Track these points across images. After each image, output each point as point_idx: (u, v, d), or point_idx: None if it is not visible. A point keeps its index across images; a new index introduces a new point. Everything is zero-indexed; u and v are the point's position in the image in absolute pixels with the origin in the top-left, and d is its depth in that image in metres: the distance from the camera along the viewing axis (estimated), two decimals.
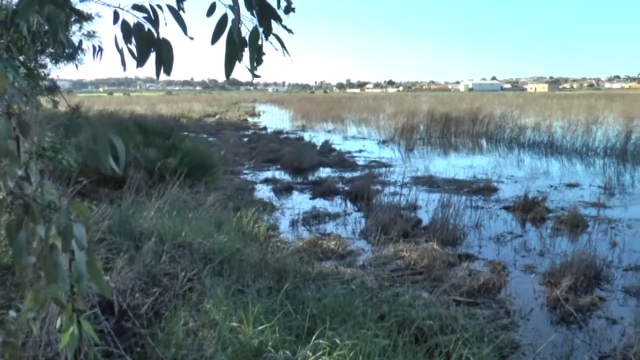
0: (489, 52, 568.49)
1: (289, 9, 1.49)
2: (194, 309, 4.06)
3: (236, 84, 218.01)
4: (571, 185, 11.18)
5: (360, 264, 6.13)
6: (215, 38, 1.51)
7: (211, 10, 1.51)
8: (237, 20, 1.36)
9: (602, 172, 12.99)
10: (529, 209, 8.58)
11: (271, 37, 1.58)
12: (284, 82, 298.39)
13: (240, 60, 1.55)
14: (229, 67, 1.54)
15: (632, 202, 9.60)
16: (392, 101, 50.78)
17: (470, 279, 5.49)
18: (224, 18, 1.49)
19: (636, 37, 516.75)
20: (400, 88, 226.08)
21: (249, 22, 1.54)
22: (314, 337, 3.56)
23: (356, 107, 40.89)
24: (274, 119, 36.27)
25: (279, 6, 1.50)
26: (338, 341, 3.47)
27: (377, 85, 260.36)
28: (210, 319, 3.86)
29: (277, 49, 1.61)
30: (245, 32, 1.52)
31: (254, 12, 1.46)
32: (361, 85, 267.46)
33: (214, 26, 1.49)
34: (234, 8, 1.37)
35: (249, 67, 1.53)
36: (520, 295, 5.35)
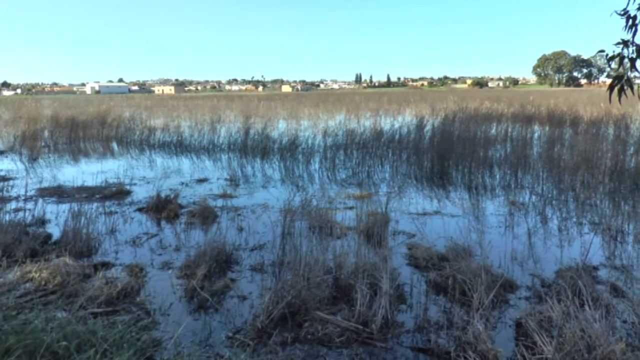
0: (114, 53, 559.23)
1: None
2: None
3: None
4: (201, 181, 11.89)
5: None
6: None
7: None
8: None
9: (228, 166, 14.16)
10: (162, 208, 8.79)
11: None
12: None
13: None
14: None
15: (254, 190, 10.74)
16: (10, 105, 45.43)
17: (107, 288, 5.34)
18: None
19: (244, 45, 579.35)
20: (19, 90, 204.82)
21: None
22: None
23: None
24: None
25: None
26: None
27: None
28: None
29: None
30: None
31: None
32: None
33: None
34: None
35: None
36: (159, 293, 5.46)
